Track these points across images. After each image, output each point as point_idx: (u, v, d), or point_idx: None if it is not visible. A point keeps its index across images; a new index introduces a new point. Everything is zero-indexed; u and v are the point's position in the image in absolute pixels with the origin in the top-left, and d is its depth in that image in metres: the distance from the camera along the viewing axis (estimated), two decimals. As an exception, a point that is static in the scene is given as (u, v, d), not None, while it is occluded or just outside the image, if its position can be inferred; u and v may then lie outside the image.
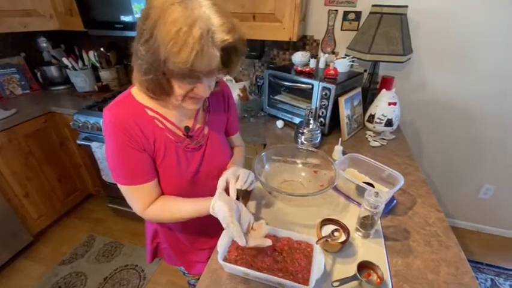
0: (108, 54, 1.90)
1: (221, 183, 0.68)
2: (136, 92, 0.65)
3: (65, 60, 1.84)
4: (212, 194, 0.65)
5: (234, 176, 0.68)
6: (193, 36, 0.47)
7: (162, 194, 0.71)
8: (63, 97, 1.90)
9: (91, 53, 1.88)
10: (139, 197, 0.68)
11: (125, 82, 2.10)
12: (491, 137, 1.61)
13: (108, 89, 1.96)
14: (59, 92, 2.01)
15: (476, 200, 1.85)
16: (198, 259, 0.94)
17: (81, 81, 1.91)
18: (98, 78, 1.97)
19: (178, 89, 0.57)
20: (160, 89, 0.58)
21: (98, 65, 1.91)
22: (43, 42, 2.00)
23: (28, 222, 1.74)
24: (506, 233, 1.91)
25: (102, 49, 1.88)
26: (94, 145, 1.59)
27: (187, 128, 0.71)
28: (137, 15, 1.48)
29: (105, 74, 1.94)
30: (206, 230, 0.87)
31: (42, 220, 1.83)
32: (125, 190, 0.67)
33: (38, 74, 1.98)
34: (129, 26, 1.54)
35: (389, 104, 1.28)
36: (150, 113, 0.66)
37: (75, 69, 1.87)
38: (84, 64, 1.92)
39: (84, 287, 1.56)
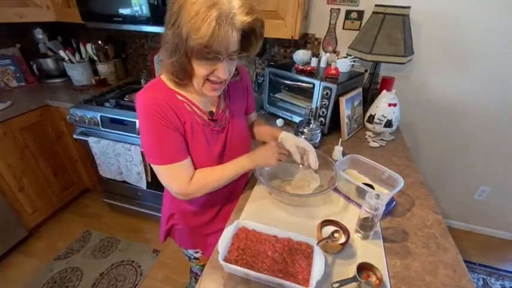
0: (106, 47, 1.88)
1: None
2: (166, 79, 0.71)
3: (61, 53, 1.81)
4: (224, 188, 0.81)
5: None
6: (212, 15, 0.53)
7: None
8: (59, 90, 1.87)
9: (88, 46, 1.85)
10: (178, 175, 0.72)
11: (123, 76, 2.08)
12: (488, 139, 1.63)
13: (106, 83, 1.93)
14: (55, 85, 1.97)
15: (472, 201, 1.87)
16: (215, 241, 0.95)
17: (78, 74, 1.88)
18: (95, 72, 1.94)
19: (200, 69, 0.62)
20: (183, 71, 0.64)
21: (95, 58, 1.88)
22: (39, 34, 1.95)
23: (23, 216, 1.72)
24: (499, 234, 1.94)
25: (100, 42, 1.85)
26: (91, 140, 1.57)
27: (211, 113, 0.78)
28: (136, 8, 1.46)
29: (102, 68, 1.91)
30: (222, 213, 0.92)
31: (38, 215, 1.81)
32: (162, 170, 0.71)
33: (34, 66, 1.94)
34: (128, 19, 1.50)
35: (390, 105, 1.28)
36: (180, 97, 0.72)
37: (72, 62, 1.84)
38: (81, 57, 1.89)
39: (80, 282, 1.56)
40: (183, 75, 0.66)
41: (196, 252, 1.06)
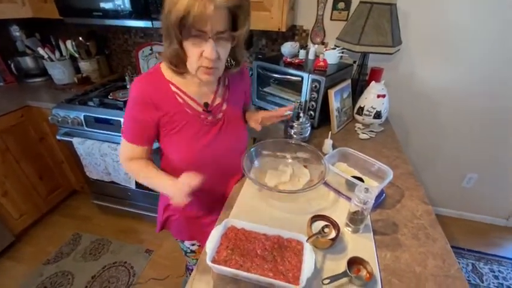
0: (88, 43, 1.80)
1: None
2: (164, 67, 0.74)
3: (40, 51, 1.73)
4: (216, 182, 0.88)
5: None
6: None
7: (151, 162, 0.82)
8: (40, 90, 1.80)
9: (69, 43, 1.78)
10: (126, 151, 0.80)
11: (107, 73, 2.01)
12: (476, 127, 1.65)
13: (89, 81, 1.87)
14: (36, 84, 1.90)
15: (460, 189, 1.91)
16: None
17: (59, 72, 1.80)
18: (77, 70, 1.87)
19: (189, 50, 0.64)
20: (177, 57, 0.67)
21: (76, 55, 1.80)
22: (16, 31, 1.86)
23: (8, 221, 1.67)
24: (487, 219, 1.99)
25: (80, 38, 1.78)
26: (75, 141, 1.52)
27: (206, 104, 0.79)
28: (117, 2, 1.40)
29: (85, 65, 1.84)
30: (221, 202, 0.91)
31: (24, 219, 1.76)
32: (123, 142, 0.79)
33: (12, 65, 1.85)
34: (110, 14, 1.44)
35: (379, 96, 1.27)
36: (173, 88, 0.75)
37: (52, 60, 1.77)
38: (61, 55, 1.81)
39: (71, 286, 1.53)
40: (177, 61, 0.69)
41: (193, 245, 1.07)
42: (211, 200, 0.93)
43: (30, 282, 1.54)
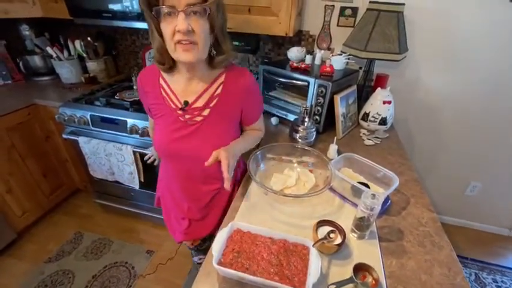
0: (96, 44, 1.82)
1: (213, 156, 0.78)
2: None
3: (49, 50, 1.75)
4: (183, 181, 0.93)
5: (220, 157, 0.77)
6: None
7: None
8: (47, 88, 1.82)
9: (77, 43, 1.80)
10: (149, 121, 1.02)
11: (114, 74, 2.03)
12: (480, 136, 1.64)
13: (96, 80, 1.88)
14: (43, 83, 1.92)
15: (463, 197, 1.90)
16: (177, 227, 1.05)
17: (67, 72, 1.82)
18: (85, 69, 1.89)
19: (164, 30, 0.68)
20: (161, 48, 0.73)
21: (84, 55, 1.82)
22: (25, 30, 1.88)
23: (11, 219, 1.67)
24: (491, 229, 1.98)
25: (89, 39, 1.79)
26: (81, 140, 1.53)
27: (186, 102, 0.81)
28: (126, 4, 1.42)
29: (92, 65, 1.85)
30: (185, 205, 0.98)
31: (27, 216, 1.77)
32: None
33: (20, 64, 1.87)
34: (118, 15, 1.46)
35: (384, 102, 1.27)
36: (161, 81, 0.84)
37: (61, 60, 1.79)
38: (69, 54, 1.83)
39: (71, 285, 1.52)
40: (162, 53, 0.74)
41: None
42: (180, 197, 0.98)
43: (31, 280, 1.54)
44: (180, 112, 0.82)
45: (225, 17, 0.75)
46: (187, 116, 0.82)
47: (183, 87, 0.81)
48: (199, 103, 0.81)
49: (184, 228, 1.01)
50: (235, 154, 0.82)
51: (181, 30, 0.64)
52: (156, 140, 0.88)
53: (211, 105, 0.82)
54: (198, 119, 0.82)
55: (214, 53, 0.77)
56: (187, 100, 0.81)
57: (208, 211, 1.00)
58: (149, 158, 1.20)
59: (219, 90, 0.82)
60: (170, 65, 0.77)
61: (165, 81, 0.83)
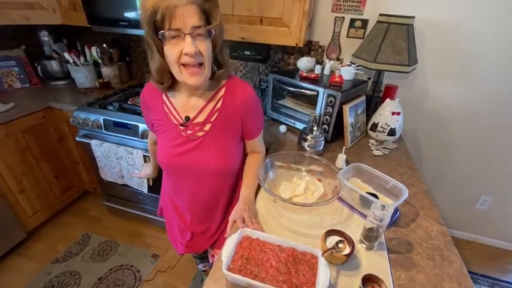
0: (111, 51, 1.88)
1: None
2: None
3: (66, 55, 1.82)
4: (186, 196, 0.93)
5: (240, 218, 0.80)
6: None
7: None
8: (63, 92, 1.88)
9: (93, 49, 1.86)
10: (150, 136, 1.09)
11: (127, 79, 2.08)
12: (490, 148, 1.62)
13: (109, 86, 1.94)
14: (59, 87, 1.98)
15: (473, 211, 1.86)
16: (180, 239, 1.05)
17: (82, 77, 1.88)
18: (99, 75, 1.95)
19: (169, 52, 0.67)
20: (161, 69, 0.72)
21: (99, 61, 1.88)
22: (45, 36, 1.97)
23: (22, 218, 1.71)
24: (501, 244, 1.93)
25: (105, 45, 1.86)
26: (93, 143, 1.57)
27: (187, 118, 0.82)
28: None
29: (106, 71, 1.91)
30: (184, 213, 0.99)
31: (37, 217, 1.80)
32: None
33: (38, 68, 1.95)
34: (133, 24, 1.51)
35: (393, 113, 1.28)
36: (164, 97, 0.84)
37: (77, 65, 1.85)
38: (85, 60, 1.89)
39: (78, 286, 1.54)
40: (162, 74, 0.74)
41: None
42: (183, 209, 0.98)
43: (38, 280, 1.57)
44: (181, 128, 0.82)
45: (223, 30, 0.74)
46: (189, 132, 0.82)
47: (184, 103, 0.82)
48: (200, 118, 0.81)
49: (186, 240, 1.01)
50: (252, 201, 0.87)
51: (189, 53, 0.65)
52: (159, 155, 0.88)
53: (212, 119, 0.81)
54: (200, 134, 0.82)
55: (216, 68, 0.77)
56: (188, 115, 0.81)
57: (211, 224, 0.99)
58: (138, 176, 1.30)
59: (219, 105, 0.81)
60: (169, 84, 0.77)
61: (167, 97, 0.84)
